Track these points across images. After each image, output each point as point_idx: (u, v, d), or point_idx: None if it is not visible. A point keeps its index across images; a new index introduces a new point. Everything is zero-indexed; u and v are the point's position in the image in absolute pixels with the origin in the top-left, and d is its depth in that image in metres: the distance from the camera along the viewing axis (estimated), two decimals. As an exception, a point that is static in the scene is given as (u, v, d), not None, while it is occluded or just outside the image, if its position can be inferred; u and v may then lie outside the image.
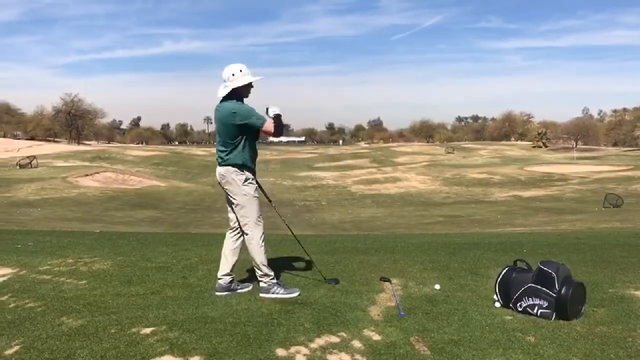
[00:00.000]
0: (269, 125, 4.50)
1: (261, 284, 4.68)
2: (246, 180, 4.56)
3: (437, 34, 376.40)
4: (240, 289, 4.82)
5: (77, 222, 22.22)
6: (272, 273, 4.70)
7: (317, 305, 4.36)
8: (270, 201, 5.14)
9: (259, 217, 4.63)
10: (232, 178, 4.55)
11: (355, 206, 37.30)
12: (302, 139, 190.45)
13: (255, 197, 4.60)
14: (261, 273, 4.65)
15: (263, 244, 4.63)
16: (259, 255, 4.61)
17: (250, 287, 4.87)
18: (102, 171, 51.83)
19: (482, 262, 6.08)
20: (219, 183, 4.69)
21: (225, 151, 4.55)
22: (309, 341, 3.61)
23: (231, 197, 4.62)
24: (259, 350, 3.44)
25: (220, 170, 4.62)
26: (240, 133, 4.51)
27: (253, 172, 4.66)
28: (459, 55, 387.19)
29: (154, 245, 7.50)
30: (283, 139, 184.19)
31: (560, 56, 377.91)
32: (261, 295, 4.63)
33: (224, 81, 4.55)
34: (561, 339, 3.72)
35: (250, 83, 4.61)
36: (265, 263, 4.65)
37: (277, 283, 4.71)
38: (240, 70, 4.54)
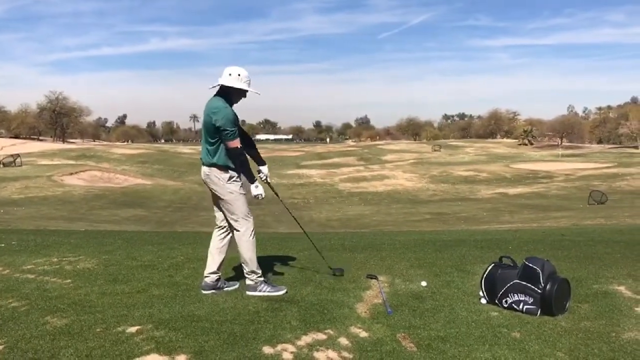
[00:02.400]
0: (235, 143, 4.43)
1: (248, 282, 4.67)
2: (230, 178, 4.52)
3: (425, 32, 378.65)
4: (226, 287, 4.80)
5: (62, 220, 22.02)
6: (260, 271, 4.68)
7: (304, 303, 4.36)
8: (278, 196, 5.25)
9: (248, 214, 4.60)
10: (216, 176, 4.52)
11: (342, 204, 37.40)
12: (289, 137, 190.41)
13: (241, 194, 4.57)
14: (248, 270, 4.63)
15: (253, 240, 4.62)
16: (248, 252, 4.59)
17: (237, 286, 4.85)
18: (87, 169, 51.43)
19: (468, 259, 6.11)
20: (204, 182, 4.67)
21: (209, 150, 4.50)
22: (296, 339, 3.60)
23: (218, 195, 4.59)
24: (246, 348, 3.42)
25: (204, 169, 4.59)
26: (220, 134, 4.45)
27: (238, 172, 4.60)
28: (446, 53, 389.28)
29: (139, 244, 7.46)
30: (270, 136, 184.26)
31: (547, 54, 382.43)
32: (248, 293, 4.62)
33: (220, 77, 4.51)
34: (546, 334, 3.75)
35: (244, 92, 4.55)
36: (255, 260, 4.63)
37: (264, 281, 4.70)
38: (239, 75, 4.47)
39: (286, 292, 4.65)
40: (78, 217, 24.67)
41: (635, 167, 56.70)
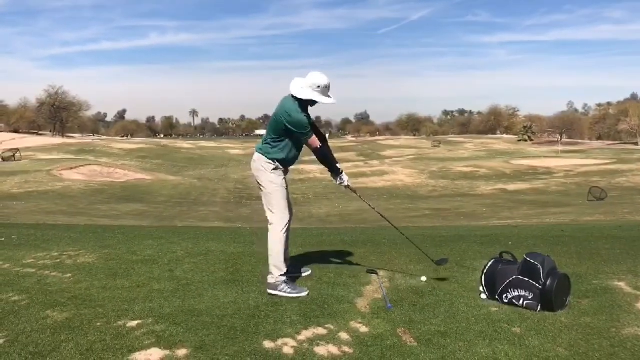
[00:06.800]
0: (314, 141, 4.56)
1: (269, 279, 4.55)
2: (276, 169, 4.60)
3: (424, 27, 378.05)
4: (303, 273, 5.06)
5: (62, 215, 22.01)
6: (285, 269, 4.58)
7: (304, 298, 4.36)
8: (362, 199, 5.29)
9: (285, 208, 4.63)
10: (262, 165, 4.59)
11: (342, 199, 37.33)
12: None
13: (283, 187, 4.62)
14: (273, 265, 4.55)
15: (284, 236, 4.60)
16: (277, 245, 4.55)
17: (310, 272, 5.08)
18: (87, 164, 51.39)
19: (468, 255, 6.11)
20: (252, 169, 4.75)
21: (267, 142, 4.61)
22: (296, 333, 3.61)
23: (259, 184, 4.66)
24: (246, 342, 3.43)
25: (254, 156, 4.69)
26: (285, 133, 4.52)
27: (285, 168, 4.68)
28: (445, 49, 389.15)
29: (139, 239, 7.45)
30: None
31: (546, 51, 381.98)
32: (269, 291, 4.50)
33: (304, 78, 4.55)
34: (546, 329, 3.76)
35: (313, 100, 4.57)
36: (282, 255, 4.57)
37: (285, 281, 4.56)
38: (312, 84, 4.48)
39: (308, 294, 4.50)
40: (78, 212, 24.65)
41: (635, 164, 56.68)
